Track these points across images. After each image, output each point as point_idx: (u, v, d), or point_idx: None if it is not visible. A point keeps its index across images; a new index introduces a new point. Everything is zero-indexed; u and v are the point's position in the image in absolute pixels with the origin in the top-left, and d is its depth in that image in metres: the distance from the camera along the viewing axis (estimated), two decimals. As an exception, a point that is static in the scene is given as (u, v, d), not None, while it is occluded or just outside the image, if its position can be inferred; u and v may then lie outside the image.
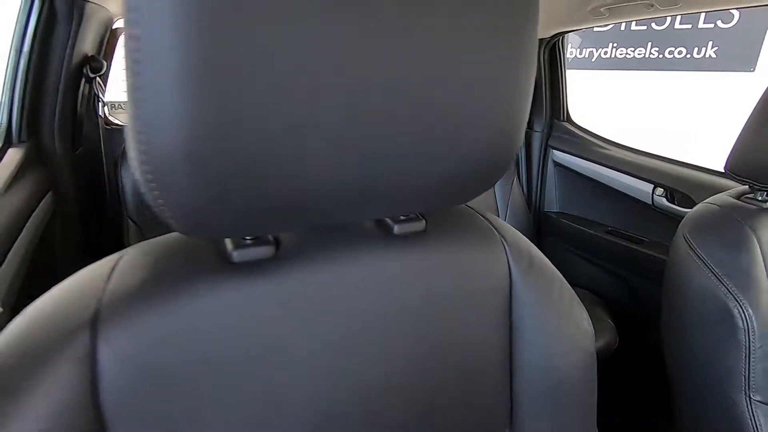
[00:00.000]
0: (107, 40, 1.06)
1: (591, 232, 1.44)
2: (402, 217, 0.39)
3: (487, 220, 0.44)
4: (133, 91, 0.20)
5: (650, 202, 1.28)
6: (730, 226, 0.64)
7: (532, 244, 0.45)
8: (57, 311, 0.29)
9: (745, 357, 0.57)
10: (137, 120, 0.21)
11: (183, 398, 0.29)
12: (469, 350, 0.41)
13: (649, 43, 3.98)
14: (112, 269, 0.31)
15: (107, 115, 1.12)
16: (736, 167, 0.68)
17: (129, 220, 1.07)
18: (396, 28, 0.24)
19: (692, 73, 3.76)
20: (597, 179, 1.45)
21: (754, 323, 0.57)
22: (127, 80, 0.21)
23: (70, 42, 0.90)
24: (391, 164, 0.28)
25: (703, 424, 0.65)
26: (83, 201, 1.05)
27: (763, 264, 0.61)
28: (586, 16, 1.18)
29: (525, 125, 0.33)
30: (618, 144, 1.47)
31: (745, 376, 0.58)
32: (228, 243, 0.33)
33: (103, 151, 1.08)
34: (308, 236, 0.36)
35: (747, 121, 0.68)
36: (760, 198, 0.68)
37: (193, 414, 0.30)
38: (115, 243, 1.08)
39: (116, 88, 1.17)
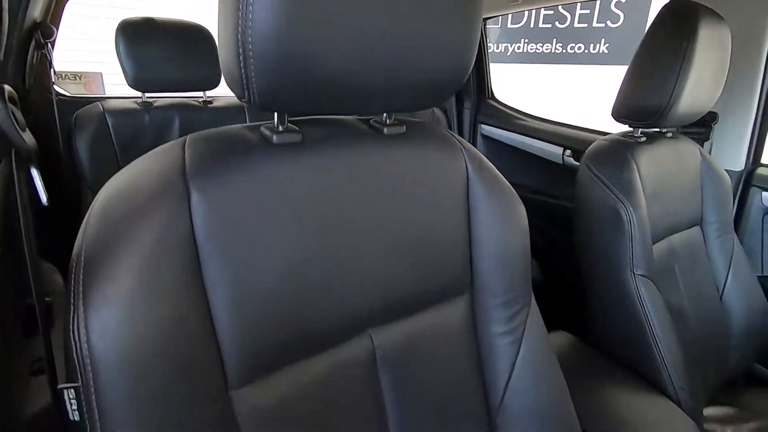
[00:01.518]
0: (54, 5, 1.05)
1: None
2: (388, 122, 0.51)
3: (450, 133, 0.58)
4: (246, 5, 0.31)
5: (561, 162, 1.54)
6: (616, 154, 0.85)
7: (480, 153, 0.60)
8: (153, 167, 0.37)
9: (630, 243, 0.78)
10: (248, 25, 0.32)
11: (253, 232, 0.39)
12: (439, 224, 0.54)
13: (554, 39, 4.49)
14: (183, 145, 0.40)
15: (54, 84, 1.10)
16: (617, 112, 0.90)
17: (87, 189, 1.07)
18: None
19: (589, 66, 4.33)
20: (519, 147, 1.69)
21: (634, 218, 0.79)
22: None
23: (22, 6, 0.90)
24: (385, 66, 0.40)
25: (605, 301, 0.86)
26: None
27: (639, 178, 0.83)
28: (505, 3, 1.40)
29: (473, 57, 0.47)
30: (534, 116, 1.72)
31: (630, 258, 0.79)
32: (266, 131, 0.43)
33: (57, 120, 1.06)
34: (324, 131, 0.47)
35: (624, 78, 0.89)
36: (636, 135, 0.91)
37: (262, 243, 0.40)
38: (73, 213, 1.07)
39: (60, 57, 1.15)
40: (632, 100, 0.86)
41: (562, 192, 1.56)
